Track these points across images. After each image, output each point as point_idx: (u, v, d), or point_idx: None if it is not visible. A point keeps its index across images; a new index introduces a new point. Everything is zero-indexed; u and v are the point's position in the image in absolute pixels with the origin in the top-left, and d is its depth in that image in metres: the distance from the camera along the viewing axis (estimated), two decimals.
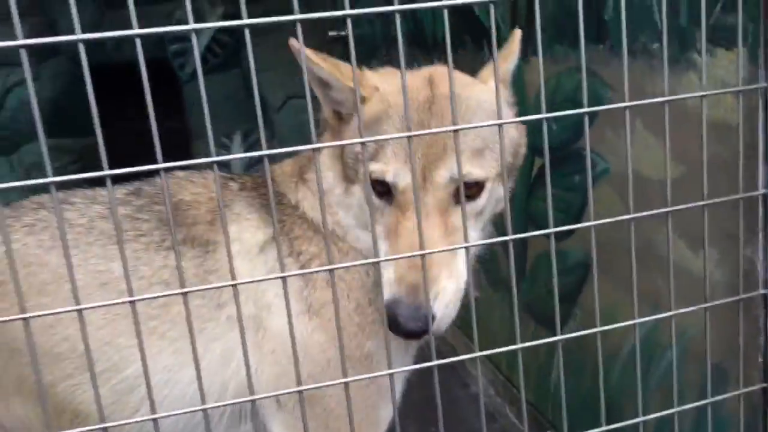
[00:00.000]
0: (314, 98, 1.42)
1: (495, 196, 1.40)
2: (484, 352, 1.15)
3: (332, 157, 1.51)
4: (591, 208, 1.17)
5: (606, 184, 1.89)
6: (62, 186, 0.84)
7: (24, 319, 0.84)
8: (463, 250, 1.27)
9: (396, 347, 1.52)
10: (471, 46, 2.57)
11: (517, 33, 1.49)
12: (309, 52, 1.33)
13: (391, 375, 1.07)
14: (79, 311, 0.86)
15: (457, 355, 1.20)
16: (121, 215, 1.50)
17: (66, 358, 1.42)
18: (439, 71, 1.45)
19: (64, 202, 1.51)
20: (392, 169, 1.31)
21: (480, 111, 1.38)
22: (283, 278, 0.97)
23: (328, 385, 1.27)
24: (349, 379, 1.04)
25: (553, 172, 2.04)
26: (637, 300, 1.16)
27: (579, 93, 1.94)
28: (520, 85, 2.22)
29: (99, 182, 1.40)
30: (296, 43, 1.11)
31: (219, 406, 1.45)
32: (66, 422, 1.42)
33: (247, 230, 1.51)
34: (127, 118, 7.70)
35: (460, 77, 1.47)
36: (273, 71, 6.30)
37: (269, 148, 0.93)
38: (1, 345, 1.42)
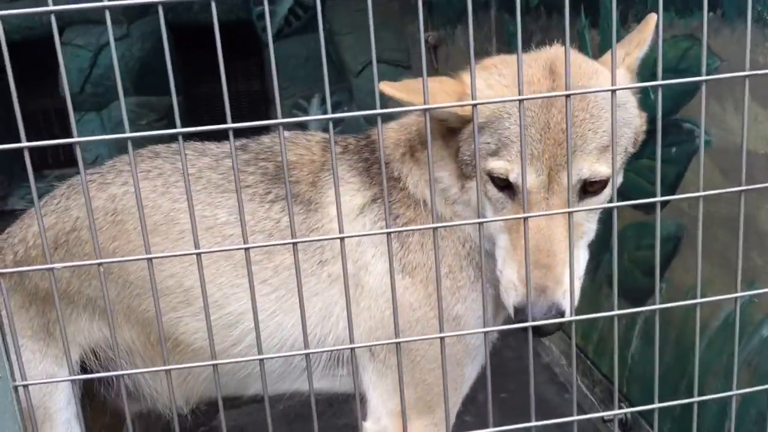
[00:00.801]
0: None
1: (610, 188, 1.39)
2: (577, 317, 1.15)
3: (446, 157, 1.50)
4: (701, 176, 1.14)
5: (706, 156, 1.83)
6: (139, 142, 0.88)
7: (148, 259, 0.90)
8: (582, 244, 1.36)
9: (490, 311, 1.58)
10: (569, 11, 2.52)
11: (652, 18, 1.42)
12: (399, 93, 1.31)
13: (485, 333, 1.09)
14: (198, 255, 0.92)
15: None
16: (228, 167, 1.59)
17: (171, 293, 1.55)
18: (560, 57, 1.36)
19: (177, 153, 1.63)
20: (516, 167, 1.30)
21: (607, 106, 1.31)
22: (388, 234, 1.00)
23: (423, 339, 1.33)
24: (444, 334, 1.06)
25: (648, 143, 2.00)
26: (733, 276, 1.14)
27: (682, 62, 1.89)
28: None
29: (191, 138, 1.56)
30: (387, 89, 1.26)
31: (321, 351, 1.53)
32: (166, 350, 1.51)
33: (347, 193, 1.56)
34: (213, 79, 7.90)
35: (585, 65, 1.42)
36: (354, 34, 6.33)
37: (349, 111, 0.95)
38: (117, 277, 1.55)
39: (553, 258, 1.26)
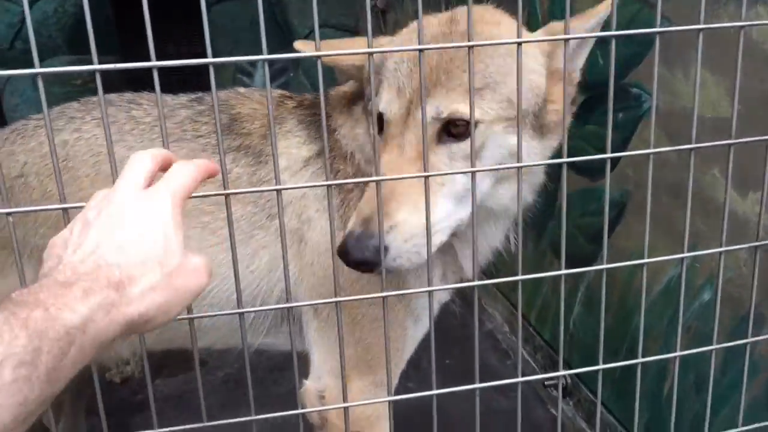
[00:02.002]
0: None
1: (499, 143, 1.27)
2: (525, 277, 1.13)
3: (363, 115, 1.53)
4: (653, 133, 1.13)
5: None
6: (107, 78, 0.84)
7: (63, 209, 0.84)
8: (443, 191, 1.23)
9: (438, 275, 1.57)
10: None
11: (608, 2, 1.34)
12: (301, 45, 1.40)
13: (430, 293, 1.05)
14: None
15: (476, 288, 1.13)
16: (183, 118, 1.60)
17: None
18: (463, 10, 1.33)
19: (132, 102, 1.61)
20: (385, 98, 1.28)
21: (494, 51, 1.27)
22: (328, 186, 0.95)
23: (364, 298, 1.30)
24: (386, 293, 1.03)
25: (595, 109, 2.00)
26: (677, 242, 1.13)
27: (631, 25, 1.88)
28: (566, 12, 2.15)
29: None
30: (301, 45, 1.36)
31: (255, 311, 1.51)
32: None
33: (293, 146, 1.58)
34: (171, 40, 7.60)
35: (488, 15, 1.38)
36: None
37: (295, 76, 0.92)
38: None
39: (389, 191, 1.17)
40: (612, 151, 1.86)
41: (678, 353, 1.19)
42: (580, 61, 1.37)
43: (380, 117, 1.30)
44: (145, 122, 1.59)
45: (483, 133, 1.24)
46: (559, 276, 1.11)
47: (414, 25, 1.41)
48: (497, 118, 1.25)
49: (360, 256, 1.15)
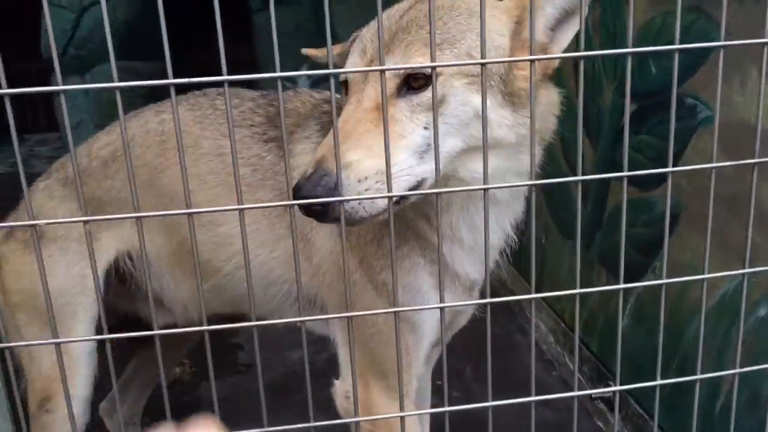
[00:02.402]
0: None
1: (462, 101, 1.24)
2: (540, 294, 1.11)
3: None
4: (715, 147, 1.10)
5: (708, 133, 1.80)
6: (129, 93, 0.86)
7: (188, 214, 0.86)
8: (403, 142, 1.21)
9: (430, 283, 1.52)
10: None
11: None
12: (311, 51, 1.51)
13: (441, 309, 1.01)
14: (241, 211, 0.87)
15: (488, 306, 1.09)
16: (246, 108, 1.78)
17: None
18: None
19: (219, 94, 1.84)
20: (350, 61, 1.33)
21: (451, 8, 1.28)
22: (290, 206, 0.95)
23: (375, 313, 1.32)
24: (397, 309, 0.98)
25: (648, 118, 1.98)
26: (731, 255, 1.11)
27: (686, 36, 1.85)
28: (618, 26, 2.12)
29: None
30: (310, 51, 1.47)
31: (267, 323, 1.54)
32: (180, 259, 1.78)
33: (307, 151, 1.62)
34: (194, 46, 7.77)
35: None
36: (345, 5, 6.22)
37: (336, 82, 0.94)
38: (155, 188, 1.76)
39: (344, 138, 1.16)
40: (665, 161, 1.83)
41: (738, 370, 1.16)
42: (564, 39, 1.28)
43: (345, 84, 1.33)
44: (221, 110, 1.79)
45: (443, 85, 1.22)
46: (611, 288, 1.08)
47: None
48: (457, 72, 1.23)
49: (312, 192, 1.10)
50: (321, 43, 1.47)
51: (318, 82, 6.04)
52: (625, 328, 2.31)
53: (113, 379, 0.94)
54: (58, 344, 0.86)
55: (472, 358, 2.90)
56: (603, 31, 2.17)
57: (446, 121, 1.23)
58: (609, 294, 2.37)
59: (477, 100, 1.20)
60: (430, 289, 1.51)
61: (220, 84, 0.91)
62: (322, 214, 1.11)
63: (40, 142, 6.56)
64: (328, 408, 1.59)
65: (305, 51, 1.51)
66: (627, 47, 0.99)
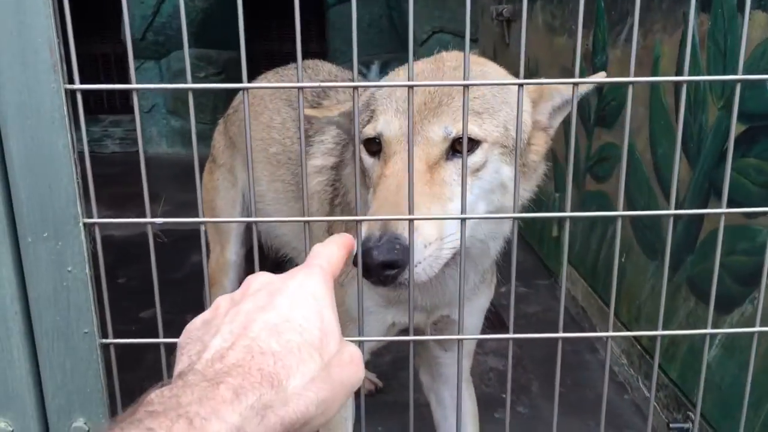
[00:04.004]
0: None
1: (496, 169, 1.30)
2: (614, 333, 0.99)
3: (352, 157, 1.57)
4: None
5: None
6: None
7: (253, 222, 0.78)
8: (451, 206, 1.21)
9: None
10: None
11: (601, 74, 1.42)
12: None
13: (459, 341, 0.97)
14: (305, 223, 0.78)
15: (588, 317, 1.00)
16: (317, 81, 2.07)
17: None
18: (449, 53, 1.44)
19: (312, 68, 2.24)
20: (381, 120, 1.29)
21: (483, 78, 1.33)
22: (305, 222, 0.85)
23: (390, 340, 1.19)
24: (415, 338, 0.91)
25: (759, 141, 1.81)
26: None
27: None
28: (730, 42, 1.95)
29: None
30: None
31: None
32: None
33: (319, 153, 1.81)
34: (269, 38, 7.81)
35: (476, 57, 1.43)
36: (422, 2, 6.14)
37: None
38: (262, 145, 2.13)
39: (402, 198, 1.11)
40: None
41: None
42: (557, 121, 1.40)
43: (371, 141, 1.31)
44: (284, 98, 2.10)
45: (485, 152, 1.27)
46: (701, 322, 0.96)
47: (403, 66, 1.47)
48: (496, 141, 1.28)
49: (387, 256, 1.05)
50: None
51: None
52: (714, 357, 2.13)
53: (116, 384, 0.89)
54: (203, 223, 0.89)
55: (540, 373, 2.81)
56: (711, 47, 1.99)
57: (481, 185, 1.28)
58: (695, 319, 2.19)
59: (506, 170, 1.29)
60: (375, 307, 1.56)
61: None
62: (391, 279, 1.08)
63: (114, 123, 6.70)
64: (392, 413, 1.55)
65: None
66: (737, 72, 0.86)
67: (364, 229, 1.09)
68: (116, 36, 6.20)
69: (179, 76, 6.29)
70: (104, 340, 0.87)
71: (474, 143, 1.25)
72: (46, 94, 0.76)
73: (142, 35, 6.23)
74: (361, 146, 1.32)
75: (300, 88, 0.81)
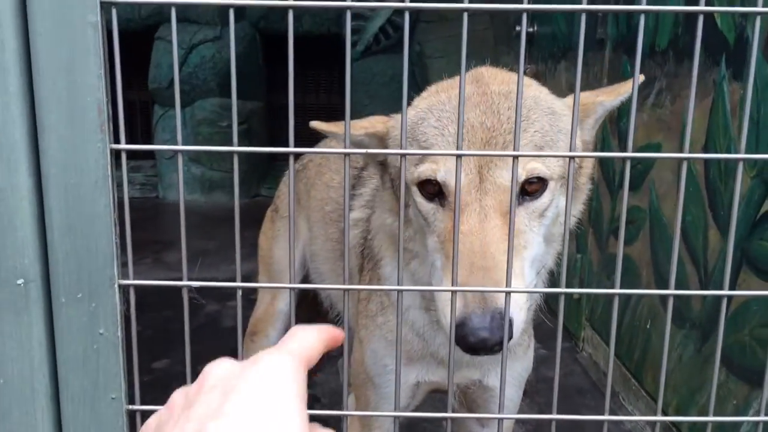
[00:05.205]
0: None
1: (557, 204, 1.23)
2: (663, 418, 0.94)
3: (389, 199, 1.43)
4: None
5: None
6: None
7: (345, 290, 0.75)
8: (526, 255, 1.16)
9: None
10: (702, 59, 2.28)
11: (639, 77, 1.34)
12: (326, 127, 1.33)
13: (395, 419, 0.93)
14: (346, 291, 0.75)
15: (605, 382, 0.95)
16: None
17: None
18: (486, 70, 1.34)
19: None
20: (443, 166, 1.17)
21: (538, 109, 1.23)
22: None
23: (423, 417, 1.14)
24: (450, 414, 0.87)
25: None
26: None
27: None
28: (763, 112, 1.94)
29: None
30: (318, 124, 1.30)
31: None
32: None
33: (357, 207, 1.78)
34: (294, 89, 7.84)
35: (507, 76, 1.34)
36: (445, 59, 6.22)
37: None
38: (319, 205, 2.13)
39: (490, 260, 1.07)
40: None
41: None
42: (594, 134, 1.36)
43: (425, 183, 1.21)
44: (333, 169, 2.14)
45: (552, 192, 1.20)
46: (731, 396, 0.90)
47: (433, 87, 1.37)
48: (560, 176, 1.21)
49: (497, 337, 1.00)
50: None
51: None
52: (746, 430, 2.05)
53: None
54: (240, 288, 0.86)
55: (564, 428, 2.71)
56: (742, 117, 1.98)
57: (545, 224, 1.21)
58: (726, 393, 2.12)
59: (562, 201, 1.22)
60: (393, 361, 1.51)
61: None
62: (493, 351, 1.02)
63: (135, 168, 6.77)
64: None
65: (312, 124, 1.39)
66: None
67: (459, 302, 1.02)
68: (143, 83, 6.32)
69: (203, 125, 6.38)
70: (131, 407, 0.84)
71: (541, 182, 1.18)
72: (91, 154, 0.75)
73: (168, 83, 6.35)
74: (415, 188, 1.22)
75: (347, 154, 0.80)
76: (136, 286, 0.82)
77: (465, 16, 0.77)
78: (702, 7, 0.78)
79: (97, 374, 0.81)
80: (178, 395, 0.58)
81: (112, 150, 0.76)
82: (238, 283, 0.82)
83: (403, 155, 0.81)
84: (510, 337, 1.00)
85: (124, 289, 0.81)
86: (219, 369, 0.58)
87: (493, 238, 1.11)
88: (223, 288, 0.84)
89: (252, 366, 0.56)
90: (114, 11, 0.74)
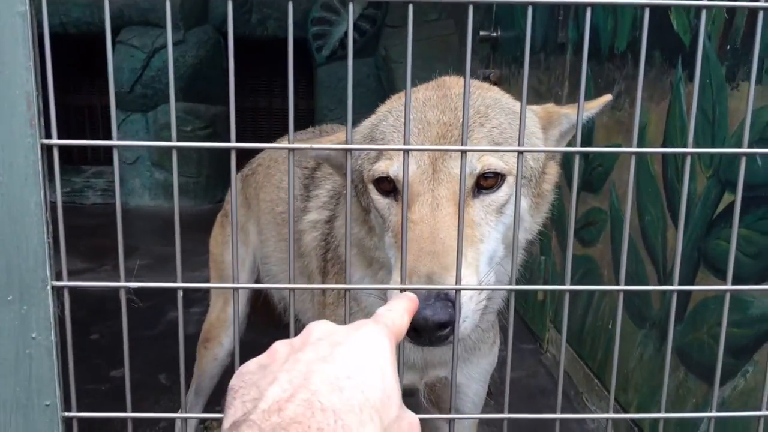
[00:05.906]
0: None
1: (521, 205, 1.22)
2: (616, 415, 0.94)
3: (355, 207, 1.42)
4: None
5: None
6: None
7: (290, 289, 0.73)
8: (483, 250, 1.17)
9: None
10: (659, 62, 2.31)
11: (607, 97, 1.38)
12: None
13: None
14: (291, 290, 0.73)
15: (573, 383, 0.94)
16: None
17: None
18: (450, 78, 1.38)
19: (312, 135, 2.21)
20: (396, 162, 1.19)
21: (496, 107, 1.26)
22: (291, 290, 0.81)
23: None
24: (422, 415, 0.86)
25: (749, 211, 1.80)
26: None
27: None
28: (718, 112, 1.96)
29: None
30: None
31: None
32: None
33: (314, 208, 1.77)
34: (258, 94, 7.84)
35: (481, 83, 1.38)
36: (416, 66, 6.25)
37: None
38: (270, 207, 2.13)
39: (440, 245, 1.07)
40: (766, 259, 1.64)
41: None
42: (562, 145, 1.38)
43: (383, 179, 1.23)
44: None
45: (510, 187, 1.20)
46: (691, 394, 0.90)
47: (397, 94, 1.42)
48: (523, 176, 1.24)
49: (442, 316, 0.96)
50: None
51: None
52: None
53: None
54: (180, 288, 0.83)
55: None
56: (699, 117, 2.00)
57: (505, 222, 1.21)
58: (685, 391, 2.14)
59: (524, 202, 1.26)
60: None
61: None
62: (443, 339, 0.99)
63: (97, 174, 6.64)
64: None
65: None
66: (741, 144, 0.85)
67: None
68: (105, 87, 6.21)
69: (165, 129, 6.28)
70: (67, 414, 0.81)
71: (498, 177, 1.19)
72: (21, 149, 0.72)
73: (130, 88, 6.25)
74: (371, 186, 1.24)
75: (291, 150, 0.78)
76: (72, 288, 0.79)
77: (470, 8, 0.76)
78: (649, 0, 0.78)
79: (30, 380, 0.78)
80: (280, 345, 0.64)
81: (43, 145, 0.73)
82: (179, 284, 0.79)
83: (348, 150, 0.79)
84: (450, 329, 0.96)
85: (58, 292, 0.78)
86: (324, 326, 0.66)
87: (443, 225, 1.10)
88: (163, 289, 0.82)
89: (354, 329, 0.64)
90: (44, 1, 0.71)
